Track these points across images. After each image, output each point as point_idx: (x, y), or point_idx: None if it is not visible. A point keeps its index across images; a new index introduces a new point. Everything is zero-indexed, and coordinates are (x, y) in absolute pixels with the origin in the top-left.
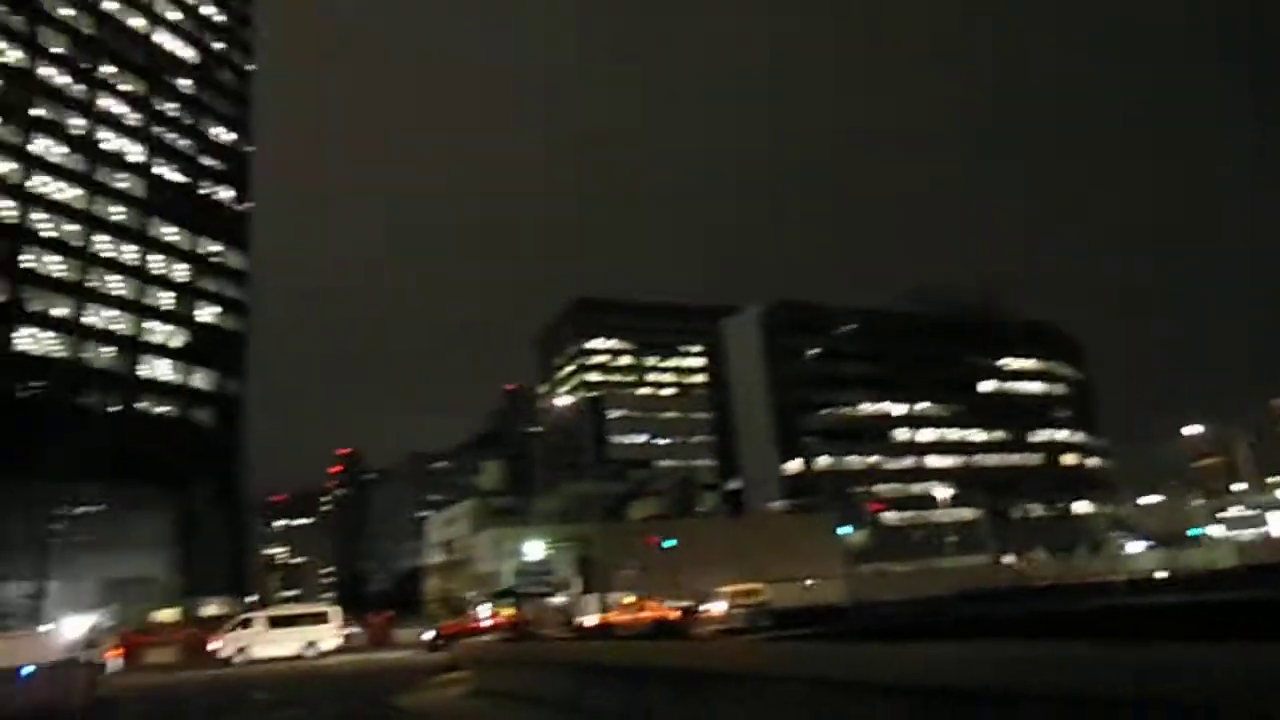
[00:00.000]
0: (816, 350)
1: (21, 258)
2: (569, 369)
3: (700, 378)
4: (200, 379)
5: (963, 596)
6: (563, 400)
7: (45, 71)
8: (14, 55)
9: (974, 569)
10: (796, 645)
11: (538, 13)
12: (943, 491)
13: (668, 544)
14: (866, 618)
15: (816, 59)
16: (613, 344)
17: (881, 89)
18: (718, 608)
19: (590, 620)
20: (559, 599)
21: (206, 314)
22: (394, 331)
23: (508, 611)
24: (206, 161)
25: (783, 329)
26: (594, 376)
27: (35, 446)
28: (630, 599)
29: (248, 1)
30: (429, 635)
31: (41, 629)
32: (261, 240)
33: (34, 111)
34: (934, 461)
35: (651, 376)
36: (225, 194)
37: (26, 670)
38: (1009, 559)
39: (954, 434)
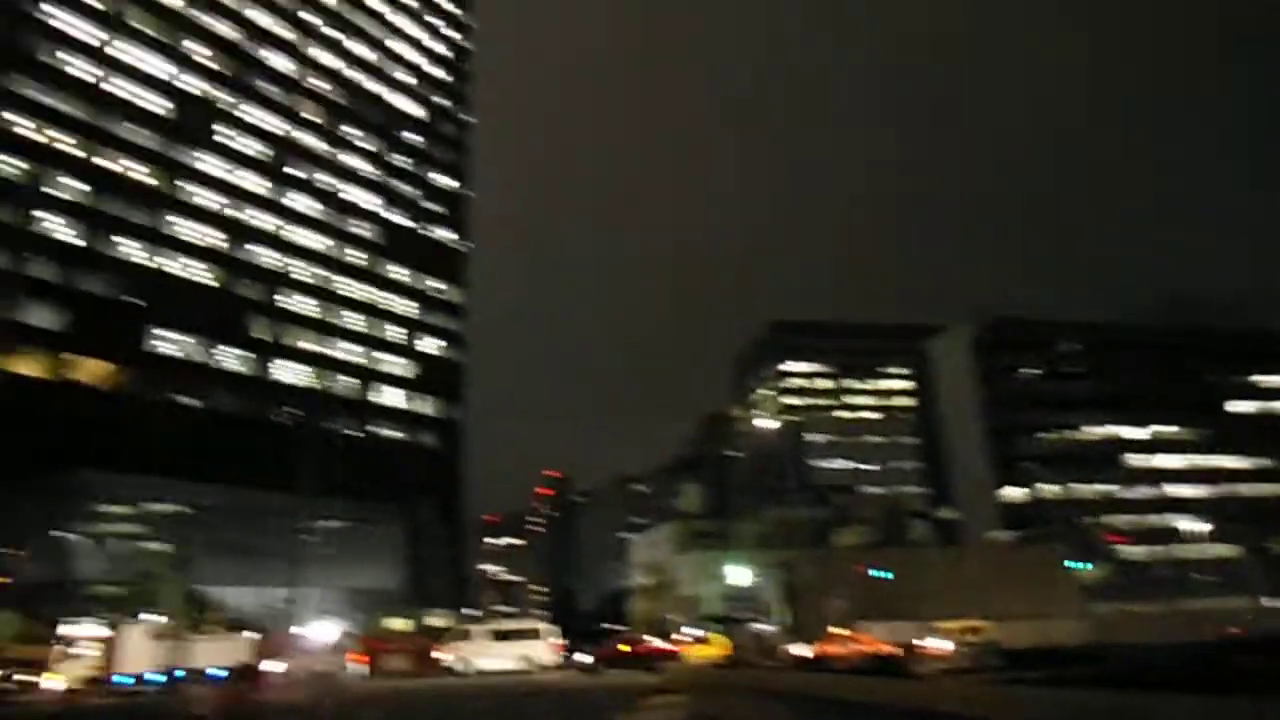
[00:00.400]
0: (1035, 370)
1: (278, 298)
2: (766, 392)
3: (903, 400)
4: (425, 406)
5: (1236, 643)
6: (761, 424)
7: (298, 135)
8: (275, 123)
9: (1233, 611)
10: (1052, 691)
11: (728, 49)
12: (1190, 524)
13: (880, 574)
14: (1126, 662)
15: (1007, 66)
16: (810, 366)
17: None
18: (941, 645)
19: (803, 651)
20: (763, 626)
21: (430, 346)
22: (594, 357)
23: (702, 642)
24: (430, 206)
25: (996, 347)
26: (792, 400)
27: (289, 465)
28: (841, 630)
29: (466, 59)
30: (587, 658)
31: (294, 631)
32: (475, 274)
33: (288, 170)
34: (1177, 490)
35: (851, 399)
36: (446, 235)
37: (218, 672)
38: (1276, 602)
39: (1202, 460)
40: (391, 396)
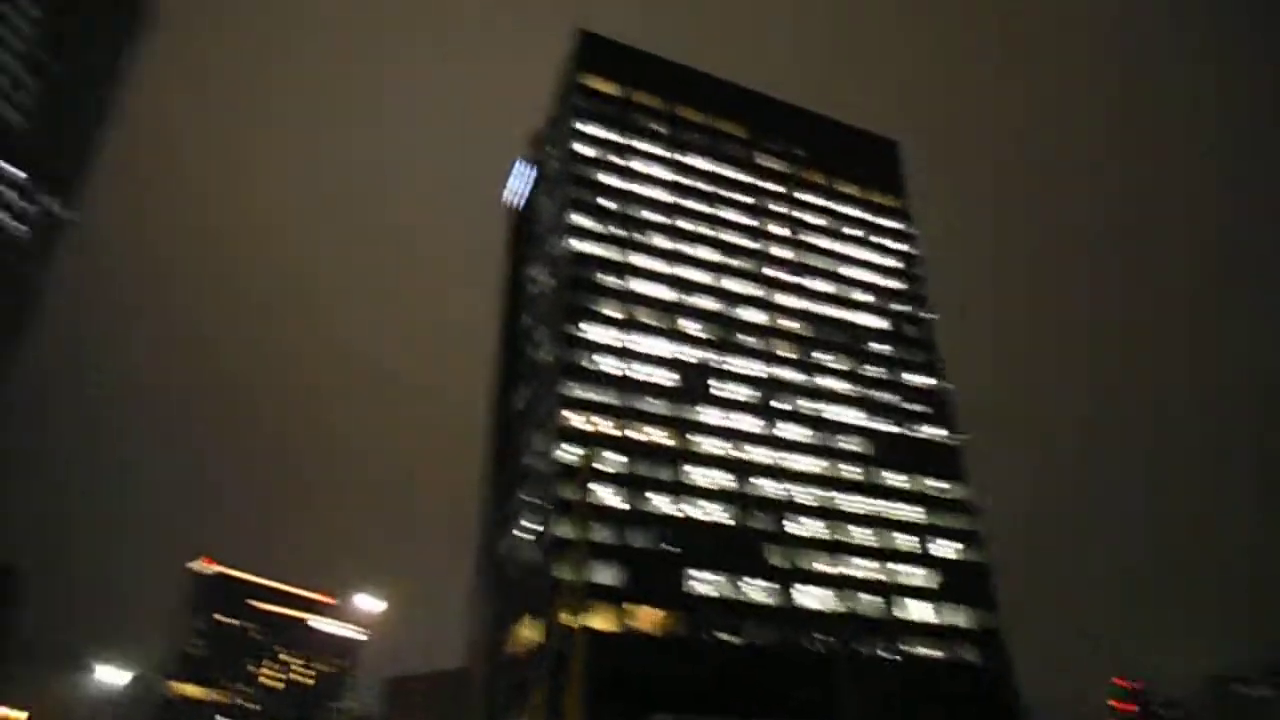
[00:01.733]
0: None
1: (787, 525)
2: None
3: None
4: (957, 617)
5: None
6: None
7: (778, 372)
8: (757, 367)
9: None
10: None
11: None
12: None
13: None
14: None
15: None
16: None
17: None
18: None
19: None
20: None
21: (947, 550)
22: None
23: None
24: (912, 408)
25: None
26: None
27: (830, 696)
28: None
29: (917, 263)
30: None
31: None
32: (977, 471)
33: (775, 405)
34: None
35: None
36: (935, 432)
37: None
38: None
39: None
40: (918, 610)
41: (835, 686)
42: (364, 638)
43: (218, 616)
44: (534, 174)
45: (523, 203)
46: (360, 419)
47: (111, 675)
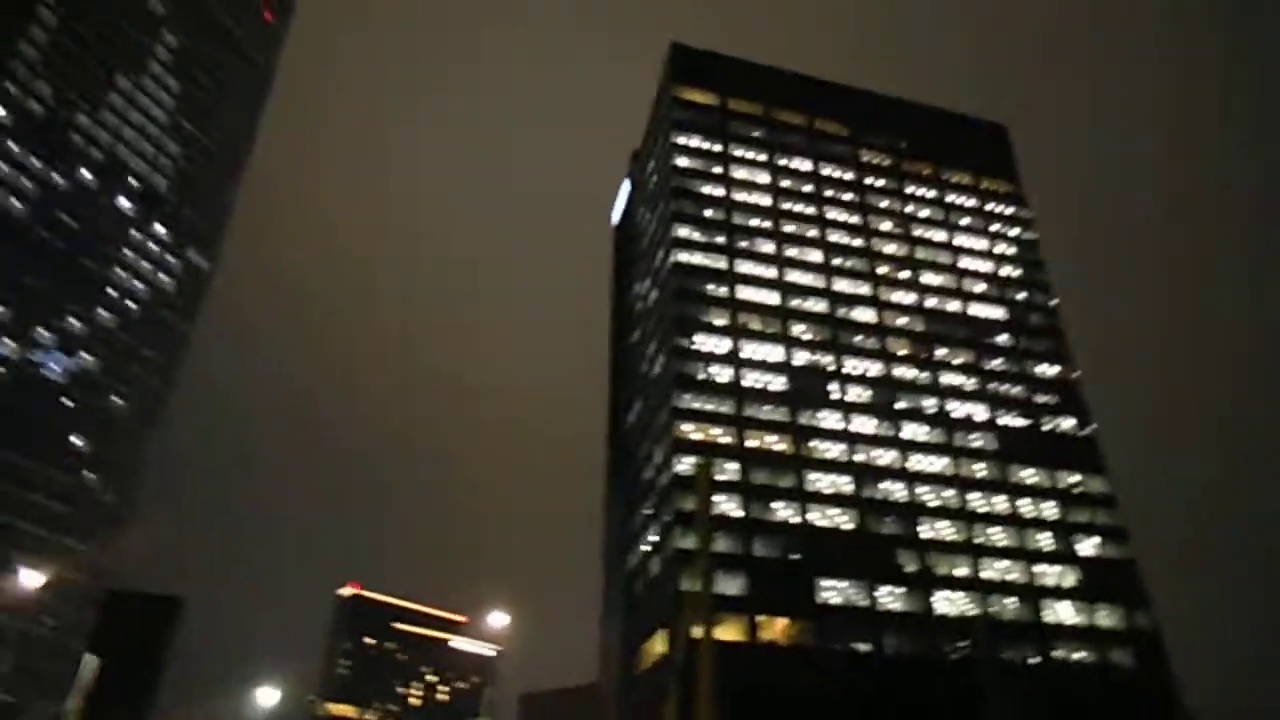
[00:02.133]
0: None
1: (919, 529)
2: None
3: None
4: (1106, 618)
5: None
6: None
7: (897, 371)
8: (875, 368)
9: None
10: None
11: None
12: None
13: None
14: None
15: None
16: None
17: None
18: None
19: None
20: None
21: (1088, 547)
22: None
23: None
24: (1041, 399)
25: None
26: None
27: (972, 704)
28: None
29: (1035, 248)
30: None
31: None
32: (1115, 460)
33: (896, 405)
34: None
35: None
36: (1066, 424)
37: None
38: None
39: None
40: (1063, 612)
41: (977, 694)
42: (496, 653)
43: (365, 639)
44: (636, 191)
45: (625, 220)
46: (482, 444)
47: (267, 696)
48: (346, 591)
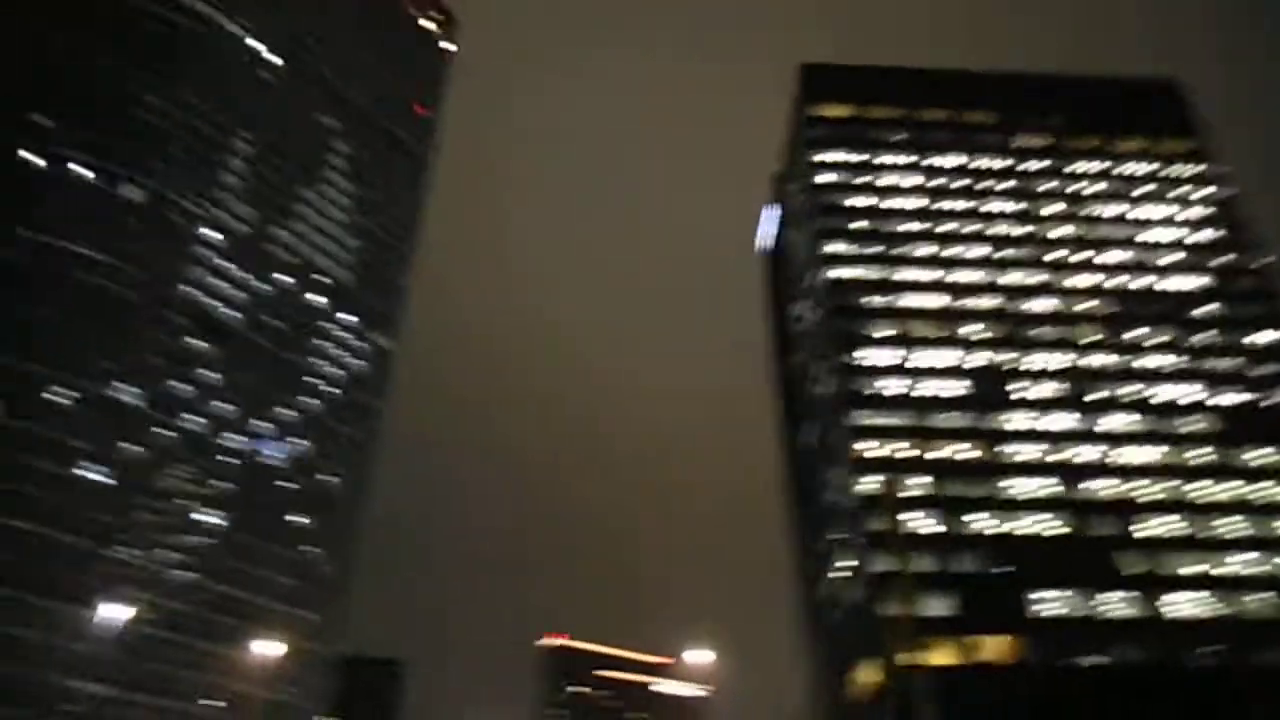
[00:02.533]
0: None
1: (1134, 527)
2: None
3: None
4: None
5: None
6: None
7: (1085, 360)
8: (1060, 359)
9: None
10: None
11: None
12: None
13: None
14: None
15: None
16: None
17: None
18: None
19: None
20: None
21: None
22: None
23: None
24: (1258, 371)
25: None
26: None
27: (1219, 715)
28: None
29: (1234, 205)
30: None
31: None
32: None
33: (1089, 397)
34: None
35: None
36: None
37: None
38: None
39: None
40: None
41: (1226, 704)
42: (706, 693)
43: (571, 687)
44: (780, 214)
45: (774, 245)
46: (655, 482)
47: None
48: (550, 642)
